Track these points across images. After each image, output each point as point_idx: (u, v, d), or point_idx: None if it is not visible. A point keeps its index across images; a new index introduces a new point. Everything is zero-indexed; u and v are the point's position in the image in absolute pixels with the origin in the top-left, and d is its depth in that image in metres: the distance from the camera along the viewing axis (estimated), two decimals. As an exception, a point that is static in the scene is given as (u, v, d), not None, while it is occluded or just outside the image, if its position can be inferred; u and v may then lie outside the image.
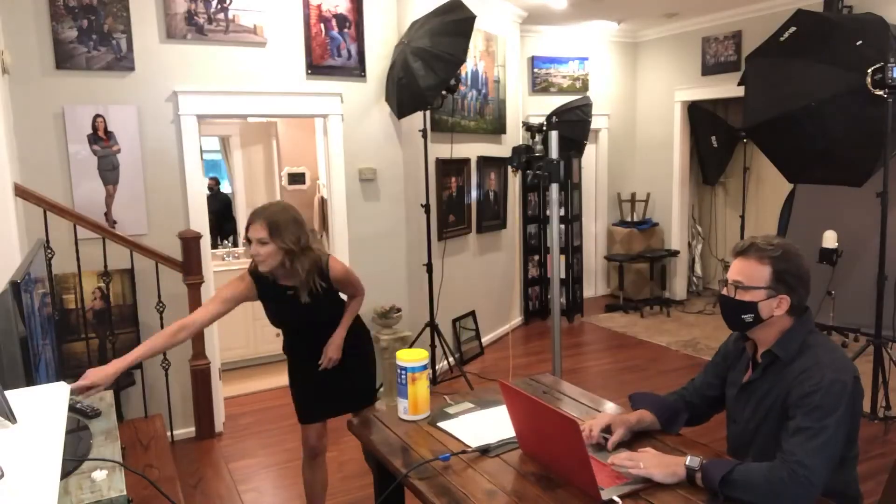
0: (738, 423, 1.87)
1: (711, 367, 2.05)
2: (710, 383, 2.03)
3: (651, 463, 1.70)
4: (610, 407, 2.27)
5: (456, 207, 5.25)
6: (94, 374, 2.09)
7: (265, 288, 2.51)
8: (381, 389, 4.42)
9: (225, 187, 6.35)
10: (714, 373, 2.03)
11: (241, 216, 5.91)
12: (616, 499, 1.62)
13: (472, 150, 5.42)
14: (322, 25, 4.20)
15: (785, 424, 1.67)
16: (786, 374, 1.73)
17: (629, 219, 7.35)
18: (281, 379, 4.99)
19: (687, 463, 1.66)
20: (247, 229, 2.42)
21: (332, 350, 2.61)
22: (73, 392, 2.11)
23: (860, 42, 3.83)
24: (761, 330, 1.79)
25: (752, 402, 1.83)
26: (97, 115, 3.65)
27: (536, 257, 6.62)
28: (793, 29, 4.08)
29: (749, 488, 1.57)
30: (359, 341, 2.71)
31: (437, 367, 4.85)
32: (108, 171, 3.71)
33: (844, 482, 1.74)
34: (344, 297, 2.71)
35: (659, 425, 1.97)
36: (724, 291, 1.82)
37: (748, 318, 1.76)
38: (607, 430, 1.91)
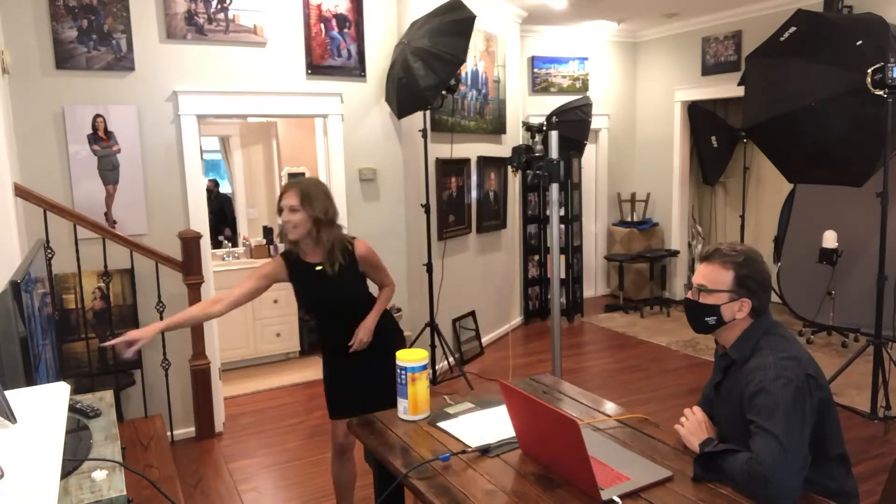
0: (718, 425, 1.91)
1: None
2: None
3: (686, 429, 1.86)
4: (610, 407, 2.27)
5: (456, 207, 5.25)
6: (134, 332, 2.26)
7: (294, 268, 2.62)
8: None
9: (224, 187, 6.34)
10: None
11: (242, 216, 5.91)
12: (616, 499, 1.62)
13: (472, 150, 5.42)
14: (322, 25, 4.20)
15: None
16: (740, 375, 1.79)
17: (629, 219, 7.35)
18: (281, 379, 5.00)
19: (702, 441, 1.78)
20: (280, 198, 2.56)
21: (363, 332, 2.63)
22: (115, 348, 2.28)
23: (860, 42, 3.83)
24: (725, 332, 1.86)
25: (722, 404, 1.90)
26: (97, 115, 3.65)
27: (536, 257, 6.62)
28: (793, 29, 4.08)
29: (729, 476, 1.66)
30: (391, 341, 2.73)
31: (437, 367, 4.85)
32: (108, 171, 3.71)
33: (834, 479, 1.74)
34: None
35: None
36: (689, 295, 1.90)
37: (711, 320, 1.84)
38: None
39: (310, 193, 2.53)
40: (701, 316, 1.85)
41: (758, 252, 1.86)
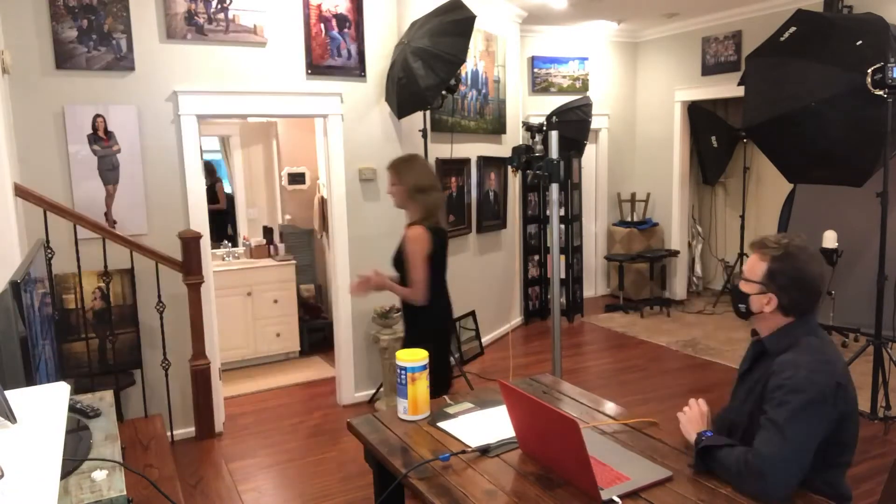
0: (732, 405, 1.95)
1: None
2: None
3: (687, 418, 1.89)
4: (610, 407, 2.27)
5: (456, 207, 5.25)
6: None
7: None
8: (382, 389, 4.42)
9: (224, 187, 6.34)
10: None
11: (242, 216, 5.91)
12: (616, 499, 1.62)
13: (472, 150, 5.42)
14: (322, 25, 4.20)
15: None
16: (769, 365, 1.78)
17: (629, 219, 7.35)
18: (281, 379, 5.00)
19: (699, 431, 1.80)
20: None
21: (374, 277, 2.97)
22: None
23: (860, 42, 3.83)
24: (759, 322, 1.87)
25: (746, 388, 1.90)
26: (97, 115, 3.65)
27: (536, 257, 6.62)
28: (793, 29, 4.08)
29: (724, 468, 1.68)
30: (412, 332, 2.98)
31: (437, 367, 4.85)
32: (108, 171, 3.71)
33: (831, 485, 1.74)
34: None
35: None
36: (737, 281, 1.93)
37: (742, 307, 1.87)
38: None
39: (400, 169, 2.95)
40: (736, 301, 1.88)
41: (806, 249, 1.79)
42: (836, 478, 1.75)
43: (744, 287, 1.84)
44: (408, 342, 2.94)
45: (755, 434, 1.69)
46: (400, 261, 2.96)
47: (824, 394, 1.63)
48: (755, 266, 1.81)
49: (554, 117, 6.18)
